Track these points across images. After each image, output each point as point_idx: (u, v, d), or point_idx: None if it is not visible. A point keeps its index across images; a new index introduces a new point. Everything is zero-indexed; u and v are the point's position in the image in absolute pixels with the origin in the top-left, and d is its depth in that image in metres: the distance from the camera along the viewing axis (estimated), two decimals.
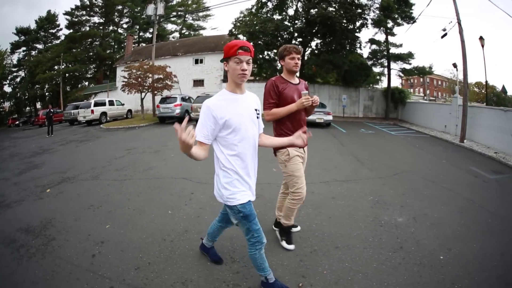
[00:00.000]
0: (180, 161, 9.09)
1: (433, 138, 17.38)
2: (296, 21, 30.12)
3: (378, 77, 35.99)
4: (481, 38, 23.79)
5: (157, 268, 3.51)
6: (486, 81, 31.95)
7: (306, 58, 31.50)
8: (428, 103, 32.80)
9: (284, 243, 4.08)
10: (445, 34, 18.59)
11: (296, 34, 30.20)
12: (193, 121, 19.18)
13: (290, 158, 3.78)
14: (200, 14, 62.75)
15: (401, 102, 32.09)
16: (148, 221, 4.84)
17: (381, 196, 6.22)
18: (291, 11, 30.72)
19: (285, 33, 29.89)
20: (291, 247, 4.03)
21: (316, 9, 27.53)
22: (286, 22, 30.00)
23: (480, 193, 6.85)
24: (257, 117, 2.86)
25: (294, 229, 4.33)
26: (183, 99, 23.67)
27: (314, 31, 29.27)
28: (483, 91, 63.01)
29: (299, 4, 30.13)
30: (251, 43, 19.91)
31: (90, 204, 5.70)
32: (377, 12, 29.35)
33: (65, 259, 3.75)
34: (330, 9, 28.22)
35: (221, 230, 3.47)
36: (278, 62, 29.22)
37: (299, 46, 4.02)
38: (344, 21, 27.50)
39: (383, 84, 35.33)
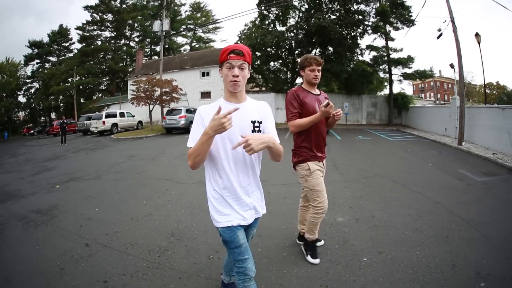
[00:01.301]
0: (169, 166, 10.70)
1: (431, 142, 17.33)
2: (296, 32, 30.82)
3: (385, 83, 35.92)
4: (477, 35, 23.52)
5: (120, 235, 4.93)
6: (484, 79, 30.76)
7: None
8: (429, 106, 32.20)
9: (309, 258, 4.00)
10: (441, 35, 18.46)
11: (294, 45, 31.02)
12: None
13: (311, 172, 3.77)
14: (210, 26, 64.26)
15: (404, 107, 31.93)
16: (126, 207, 6.36)
17: (335, 198, 6.40)
18: (292, 21, 32.01)
19: (285, 44, 30.80)
20: (316, 261, 3.95)
21: (312, 20, 28.25)
22: (286, 34, 30.74)
23: (456, 197, 6.75)
24: (255, 130, 2.46)
25: (318, 243, 4.30)
26: (187, 111, 25.02)
27: (312, 41, 29.80)
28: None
29: (300, 15, 31.26)
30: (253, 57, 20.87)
31: (88, 195, 7.31)
32: (374, 18, 30.08)
33: (61, 227, 5.32)
34: (332, 17, 29.28)
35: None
36: (286, 72, 29.53)
37: (321, 58, 3.77)
38: (339, 29, 28.00)
39: (387, 90, 35.31)
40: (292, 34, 30.80)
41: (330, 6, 30.54)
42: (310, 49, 30.75)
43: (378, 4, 29.42)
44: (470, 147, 14.90)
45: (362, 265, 3.83)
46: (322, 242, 4.39)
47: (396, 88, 36.06)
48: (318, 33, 27.78)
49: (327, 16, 29.56)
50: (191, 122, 14.29)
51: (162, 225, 5.29)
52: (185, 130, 23.60)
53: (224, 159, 2.40)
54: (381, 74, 33.68)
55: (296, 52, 31.71)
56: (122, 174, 9.78)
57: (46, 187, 8.40)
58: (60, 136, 23.19)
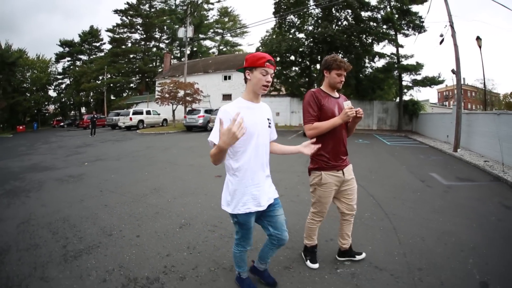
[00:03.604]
0: (175, 154, 13.19)
1: (428, 148, 17.33)
2: (308, 39, 31.78)
3: (403, 90, 33.72)
4: (478, 39, 23.76)
5: (123, 189, 7.27)
6: (484, 84, 31.87)
7: (314, 74, 33.66)
8: (434, 113, 31.40)
9: (308, 263, 3.93)
10: (443, 40, 18.30)
11: (306, 52, 31.91)
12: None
13: (321, 183, 3.63)
14: (237, 31, 66.06)
15: (414, 113, 31.77)
16: (133, 175, 8.89)
17: (282, 181, 7.92)
18: (310, 28, 33.03)
19: (301, 50, 31.92)
20: (315, 266, 3.89)
21: (319, 29, 29.56)
22: (299, 41, 31.73)
23: (398, 194, 7.21)
24: (269, 126, 2.92)
25: (358, 257, 4.07)
26: (206, 111, 27.53)
27: (320, 49, 30.69)
28: None
29: (313, 22, 32.72)
30: None
31: (108, 169, 9.90)
32: (382, 26, 30.60)
33: (86, 184, 7.87)
34: (343, 24, 30.83)
35: (270, 251, 3.26)
36: (301, 78, 34.41)
37: (348, 63, 3.64)
38: (345, 38, 28.90)
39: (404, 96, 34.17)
40: (307, 41, 31.85)
41: (339, 15, 31.69)
42: (319, 57, 31.87)
43: (388, 10, 29.92)
44: (464, 154, 14.84)
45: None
46: (363, 255, 4.08)
47: (413, 95, 35.35)
48: (324, 41, 29.01)
49: (334, 25, 30.70)
50: (209, 121, 17.66)
51: (152, 184, 7.77)
52: (203, 128, 26.24)
53: (254, 152, 2.74)
54: (395, 81, 33.33)
55: (308, 58, 33.03)
56: (137, 158, 12.29)
57: (76, 164, 10.93)
58: (90, 129, 26.13)
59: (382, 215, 5.78)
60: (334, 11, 31.36)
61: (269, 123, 2.93)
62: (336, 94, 3.76)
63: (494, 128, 13.33)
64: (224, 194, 2.88)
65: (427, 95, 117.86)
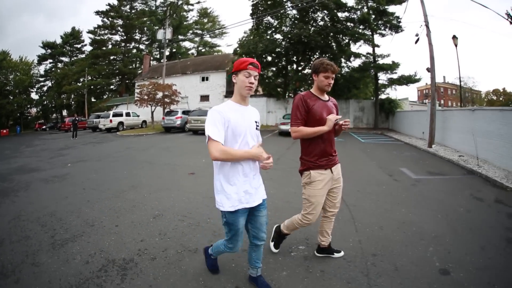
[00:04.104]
0: (152, 154, 13.81)
1: (403, 145, 17.66)
2: (283, 40, 32.42)
3: (382, 89, 34.68)
4: (454, 37, 24.44)
5: (104, 186, 7.81)
6: (460, 82, 31.73)
7: (290, 74, 34.24)
8: (410, 111, 31.52)
9: (272, 245, 4.18)
10: (418, 39, 18.66)
11: (283, 53, 32.77)
12: (189, 131, 24.72)
13: (311, 181, 3.68)
14: (217, 32, 66.05)
15: (390, 112, 32.21)
16: (114, 174, 9.43)
17: None
18: (286, 29, 33.35)
19: (277, 51, 32.61)
20: (276, 250, 4.16)
21: (294, 30, 30.07)
22: (275, 42, 32.23)
23: (363, 187, 7.49)
24: (256, 128, 2.98)
25: (337, 254, 4.14)
26: (183, 112, 27.99)
27: (296, 50, 31.65)
28: (501, 98, 62.60)
29: (289, 23, 32.95)
30: None
31: (90, 169, 10.40)
32: (359, 26, 30.91)
33: (70, 182, 8.36)
34: (319, 25, 31.24)
35: (253, 253, 3.28)
36: (278, 78, 35.17)
37: (336, 66, 3.68)
38: (319, 39, 29.49)
39: (382, 95, 35.32)
40: (283, 42, 32.41)
41: (315, 16, 32.15)
42: (295, 57, 32.63)
43: (364, 10, 30.28)
44: (439, 149, 14.95)
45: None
46: (341, 253, 4.14)
47: (389, 93, 35.29)
48: (300, 42, 29.56)
49: (311, 26, 31.28)
50: (186, 122, 18.23)
51: (130, 182, 8.32)
52: (181, 129, 26.76)
53: None
54: (368, 80, 34.02)
55: (284, 59, 33.68)
56: (117, 158, 12.79)
57: (60, 165, 11.36)
58: (72, 132, 26.15)
59: (342, 206, 5.79)
60: (310, 13, 31.76)
61: (257, 126, 3.00)
62: (326, 97, 3.84)
63: (469, 124, 13.59)
64: (215, 193, 2.96)
65: (407, 93, 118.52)
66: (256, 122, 2.99)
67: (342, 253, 4.12)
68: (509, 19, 19.77)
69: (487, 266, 4.09)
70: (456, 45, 24.81)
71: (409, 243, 4.42)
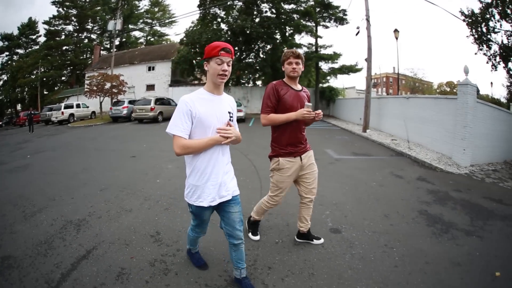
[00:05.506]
0: (101, 142, 15.08)
1: (339, 130, 18.24)
2: (227, 31, 32.48)
3: (327, 78, 35.24)
4: (395, 31, 25.19)
5: (60, 170, 9.00)
6: (398, 73, 34.33)
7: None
8: (349, 98, 33.42)
9: (250, 235, 4.21)
10: (358, 32, 19.22)
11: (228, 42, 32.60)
12: (135, 120, 25.78)
13: (279, 168, 3.70)
14: (166, 21, 64.82)
15: (331, 99, 33.21)
16: (67, 160, 10.63)
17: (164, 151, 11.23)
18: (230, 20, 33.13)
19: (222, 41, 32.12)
20: (257, 237, 4.20)
21: (238, 21, 30.19)
22: (219, 32, 32.08)
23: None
24: (230, 119, 2.76)
25: (317, 241, 4.19)
26: (129, 102, 28.22)
27: (238, 40, 31.65)
28: (454, 90, 62.98)
29: (236, 15, 32.71)
30: (192, 51, 28.66)
31: (48, 158, 11.45)
32: (305, 18, 31.04)
33: (32, 171, 9.41)
34: (269, 14, 31.67)
35: (233, 252, 3.04)
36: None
37: (296, 50, 3.66)
38: (261, 30, 30.05)
39: (328, 83, 35.90)
40: (227, 33, 32.36)
41: (261, 7, 32.48)
42: (237, 47, 32.66)
43: (311, 3, 30.57)
44: (373, 134, 15.28)
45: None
46: (321, 240, 4.20)
47: (339, 83, 35.43)
48: (242, 33, 30.21)
49: (256, 17, 31.85)
50: (132, 112, 19.72)
51: (82, 166, 9.42)
52: (127, 118, 27.40)
53: None
54: (312, 69, 34.10)
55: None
56: (70, 148, 13.88)
57: (21, 158, 12.18)
58: (28, 126, 25.65)
59: (256, 179, 7.08)
60: (256, 5, 32.22)
61: (231, 117, 2.78)
62: (299, 87, 3.80)
63: (404, 110, 14.12)
64: (185, 183, 2.83)
65: (354, 82, 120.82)
66: (230, 112, 2.79)
67: (322, 240, 4.19)
68: (463, 18, 21.26)
69: (387, 231, 4.60)
70: (397, 38, 25.61)
71: None
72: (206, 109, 2.60)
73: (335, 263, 3.73)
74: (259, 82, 38.18)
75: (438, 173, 8.47)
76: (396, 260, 3.84)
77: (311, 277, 3.46)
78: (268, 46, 32.82)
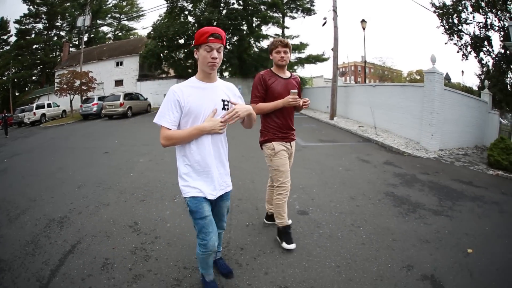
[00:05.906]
0: (74, 141, 15.26)
1: (306, 118, 18.28)
2: (194, 23, 32.17)
3: (295, 67, 34.10)
4: (363, 21, 25.11)
5: (37, 171, 9.13)
6: (365, 62, 34.02)
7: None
8: (317, 87, 33.50)
9: (284, 244, 3.79)
10: (325, 22, 19.39)
11: (193, 35, 31.77)
12: (105, 117, 25.70)
13: (275, 152, 3.65)
14: (134, 15, 63.50)
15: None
16: (44, 159, 10.77)
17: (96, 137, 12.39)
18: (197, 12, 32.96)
19: (184, 36, 32.33)
20: (292, 246, 3.76)
21: (206, 14, 30.03)
22: (186, 25, 32.05)
23: (247, 153, 8.74)
24: (224, 108, 2.56)
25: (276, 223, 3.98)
26: (99, 98, 27.67)
27: None
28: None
29: (203, 7, 32.46)
30: (160, 45, 28.83)
31: (24, 160, 11.51)
32: (272, 9, 31.28)
33: (10, 173, 9.48)
34: (236, 6, 31.50)
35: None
36: (192, 61, 34.29)
37: (283, 39, 3.66)
38: (228, 22, 29.81)
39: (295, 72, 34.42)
40: (194, 26, 31.88)
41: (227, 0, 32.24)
42: None
43: None
44: (340, 121, 15.32)
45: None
46: (289, 221, 4.05)
47: (305, 73, 35.19)
48: (209, 25, 29.51)
49: (223, 9, 31.79)
50: (102, 108, 19.88)
51: (58, 165, 9.53)
52: (98, 115, 27.02)
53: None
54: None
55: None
56: (44, 148, 13.97)
57: None
58: (3, 129, 24.48)
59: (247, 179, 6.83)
60: None
61: (225, 105, 2.59)
62: (287, 74, 3.80)
63: (371, 98, 14.25)
64: (178, 180, 2.63)
65: (323, 71, 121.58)
66: (224, 100, 2.60)
67: (290, 221, 4.03)
68: (434, 10, 21.82)
69: (354, 212, 4.78)
70: (364, 29, 25.72)
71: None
72: (196, 98, 2.46)
73: (303, 242, 3.99)
74: (226, 74, 37.65)
75: (406, 157, 8.71)
76: (363, 238, 4.10)
77: (281, 255, 3.72)
78: (235, 38, 32.53)
